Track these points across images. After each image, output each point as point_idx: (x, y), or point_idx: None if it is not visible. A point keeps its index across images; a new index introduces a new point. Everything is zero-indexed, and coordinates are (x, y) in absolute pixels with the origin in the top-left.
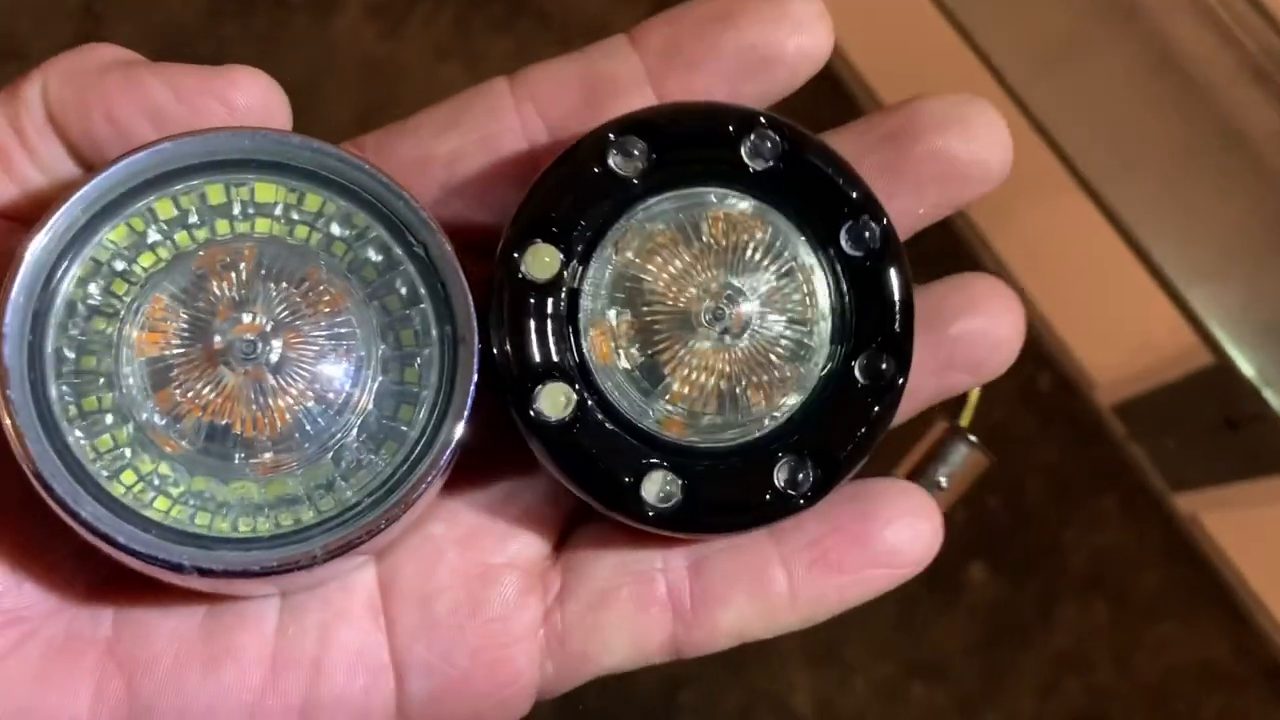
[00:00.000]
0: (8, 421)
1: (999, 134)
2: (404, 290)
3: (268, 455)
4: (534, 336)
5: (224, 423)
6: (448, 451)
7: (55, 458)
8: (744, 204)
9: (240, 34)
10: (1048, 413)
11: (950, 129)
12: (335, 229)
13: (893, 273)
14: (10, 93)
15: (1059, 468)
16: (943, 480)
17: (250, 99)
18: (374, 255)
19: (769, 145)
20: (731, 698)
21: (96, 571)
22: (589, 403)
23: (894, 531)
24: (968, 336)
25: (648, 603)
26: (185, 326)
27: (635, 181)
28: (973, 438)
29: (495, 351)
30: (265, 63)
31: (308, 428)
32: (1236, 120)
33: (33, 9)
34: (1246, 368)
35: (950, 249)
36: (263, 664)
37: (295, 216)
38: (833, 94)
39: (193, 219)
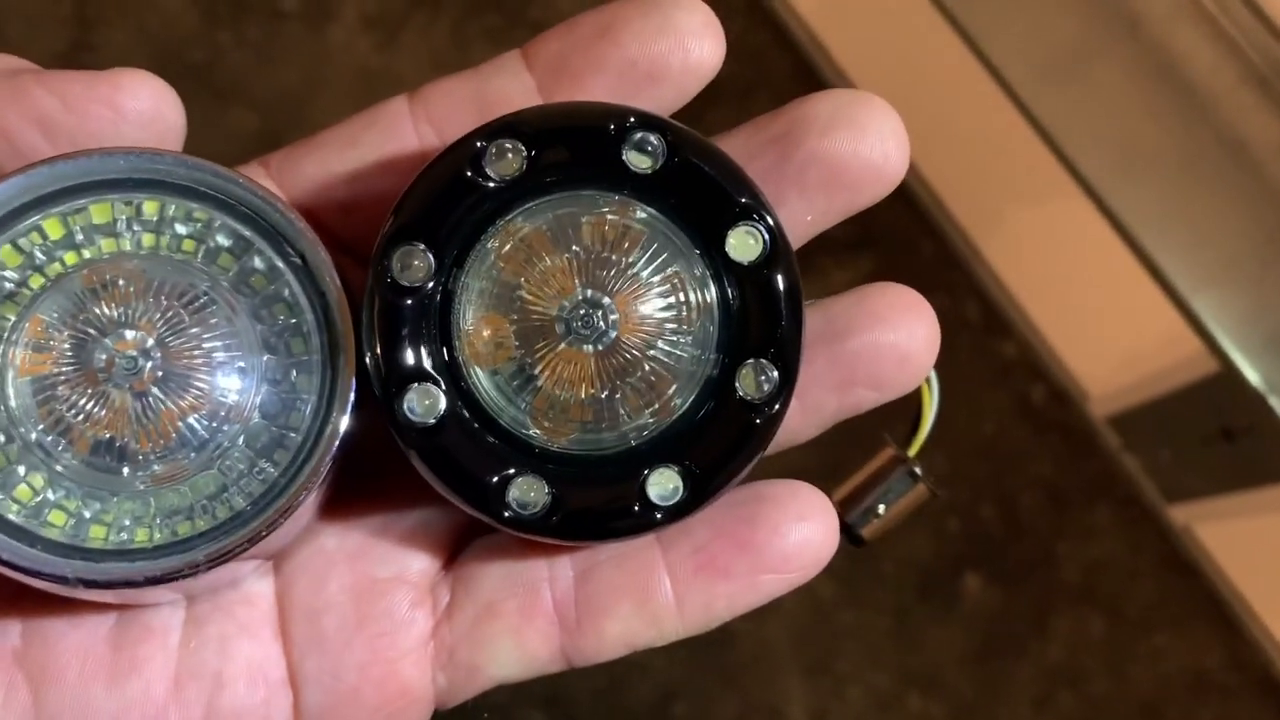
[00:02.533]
0: None
1: (893, 134)
2: (288, 299)
3: (156, 468)
4: (403, 339)
5: (109, 437)
6: (329, 455)
7: None
8: (623, 207)
9: (234, 42)
10: (1042, 425)
11: (837, 130)
12: (221, 240)
13: (780, 280)
14: None
15: (1053, 479)
16: (880, 508)
17: (140, 102)
18: (259, 264)
19: (650, 146)
20: (726, 709)
21: (4, 585)
22: (458, 406)
23: (783, 536)
24: (870, 350)
25: (533, 614)
26: (68, 345)
27: (509, 185)
28: (917, 469)
29: (366, 355)
30: (260, 72)
31: (194, 439)
32: (1239, 129)
33: (24, 15)
34: (1252, 375)
35: (942, 258)
36: (166, 676)
37: (181, 230)
38: None
39: (79, 238)
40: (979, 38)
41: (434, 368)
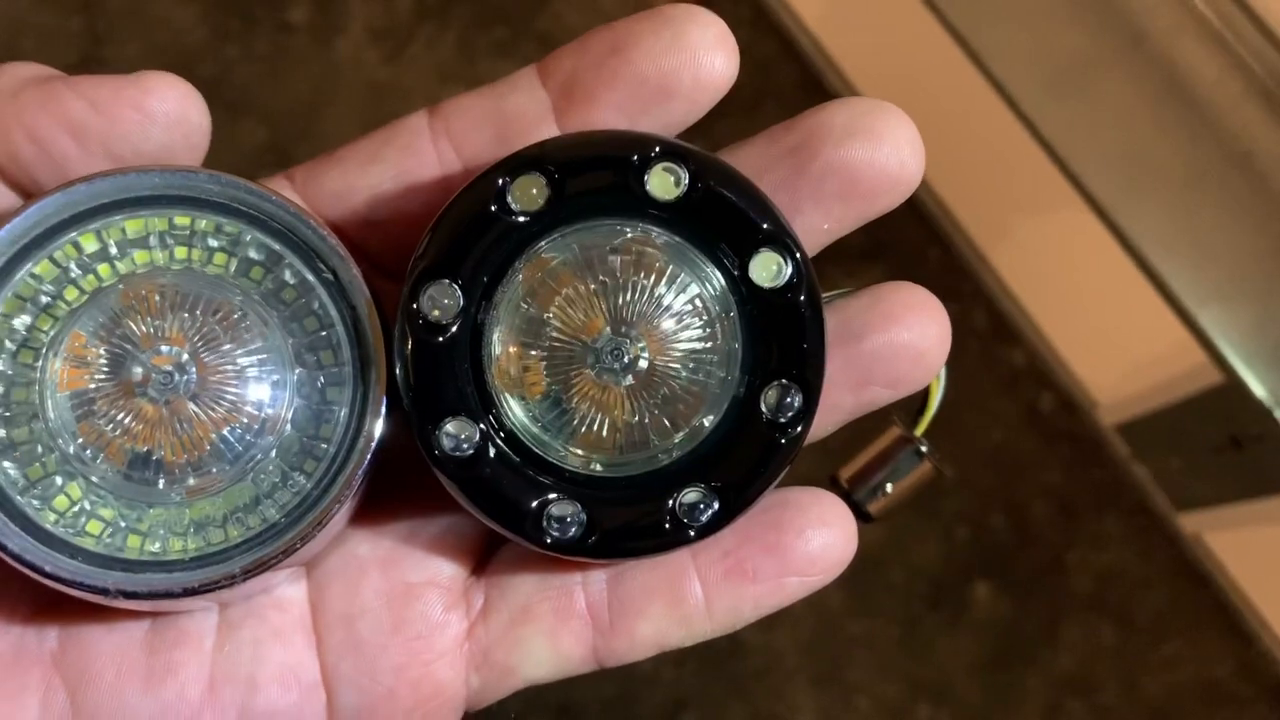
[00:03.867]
0: None
1: (908, 142)
2: (319, 313)
3: (191, 480)
4: (436, 376)
5: (146, 450)
6: (361, 469)
7: None
8: (647, 235)
9: (243, 56)
10: (1051, 433)
11: (854, 139)
12: (252, 254)
13: (803, 305)
14: None
15: (1062, 488)
16: (887, 486)
17: (166, 105)
18: (290, 279)
19: (674, 175)
20: (734, 718)
21: (42, 591)
22: (492, 436)
23: (806, 540)
24: (886, 350)
25: (568, 615)
26: (104, 360)
27: (534, 217)
28: (924, 447)
29: (401, 392)
30: (269, 85)
31: (228, 451)
32: (1245, 143)
33: (36, 31)
34: (1258, 388)
35: (949, 265)
36: (201, 680)
37: (213, 244)
38: None
39: (113, 251)
40: (983, 52)
41: (468, 400)
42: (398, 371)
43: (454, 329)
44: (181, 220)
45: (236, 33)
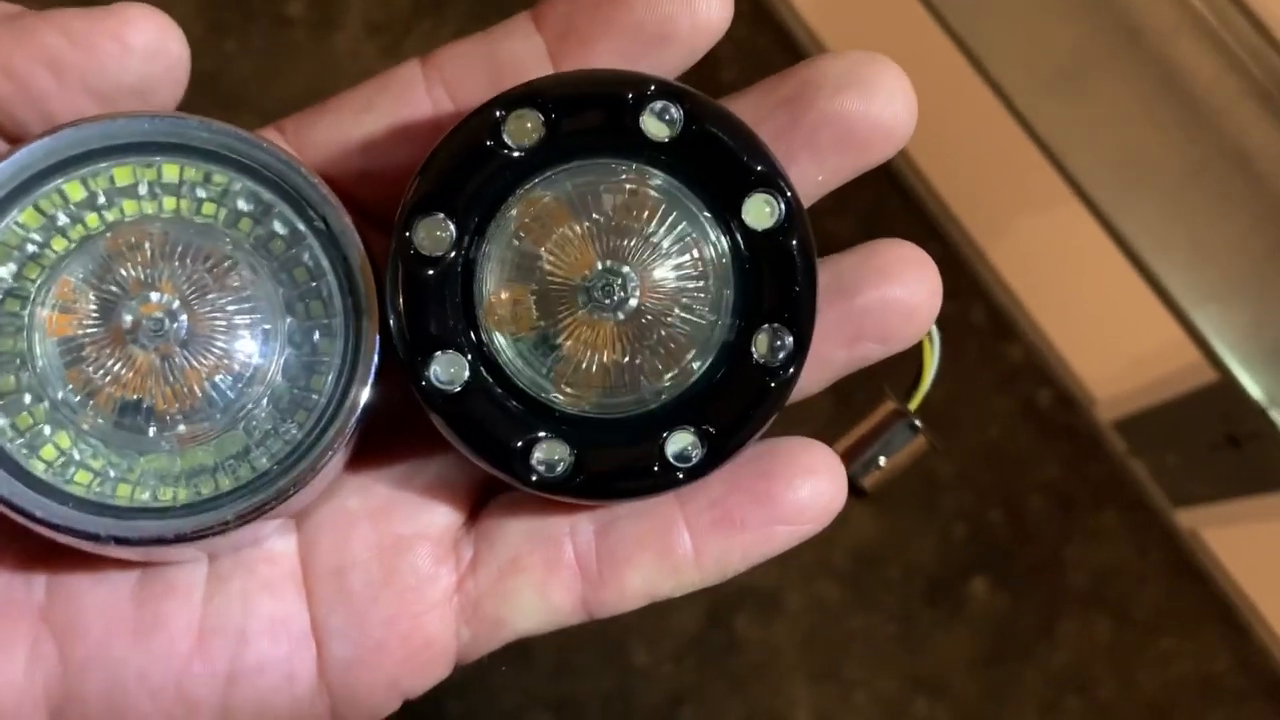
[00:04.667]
0: None
1: (902, 94)
2: (309, 263)
3: (181, 428)
4: (427, 308)
5: (136, 398)
6: (353, 418)
7: None
8: (641, 175)
9: (240, 50)
10: (1048, 429)
11: (849, 90)
12: (241, 205)
13: (795, 247)
14: None
15: (1060, 484)
16: (881, 460)
17: (146, 36)
18: (280, 229)
19: (669, 114)
20: (733, 713)
21: (29, 540)
22: (481, 372)
23: (795, 489)
24: (877, 306)
25: (557, 567)
26: (94, 307)
27: (528, 154)
28: (917, 422)
29: (391, 324)
30: (266, 79)
31: (219, 400)
32: (1241, 142)
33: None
34: (1253, 389)
35: (946, 260)
36: (190, 632)
37: (201, 194)
38: None
39: (101, 200)
40: (979, 49)
41: (457, 335)
42: (387, 303)
43: (445, 263)
44: (170, 170)
45: (234, 27)
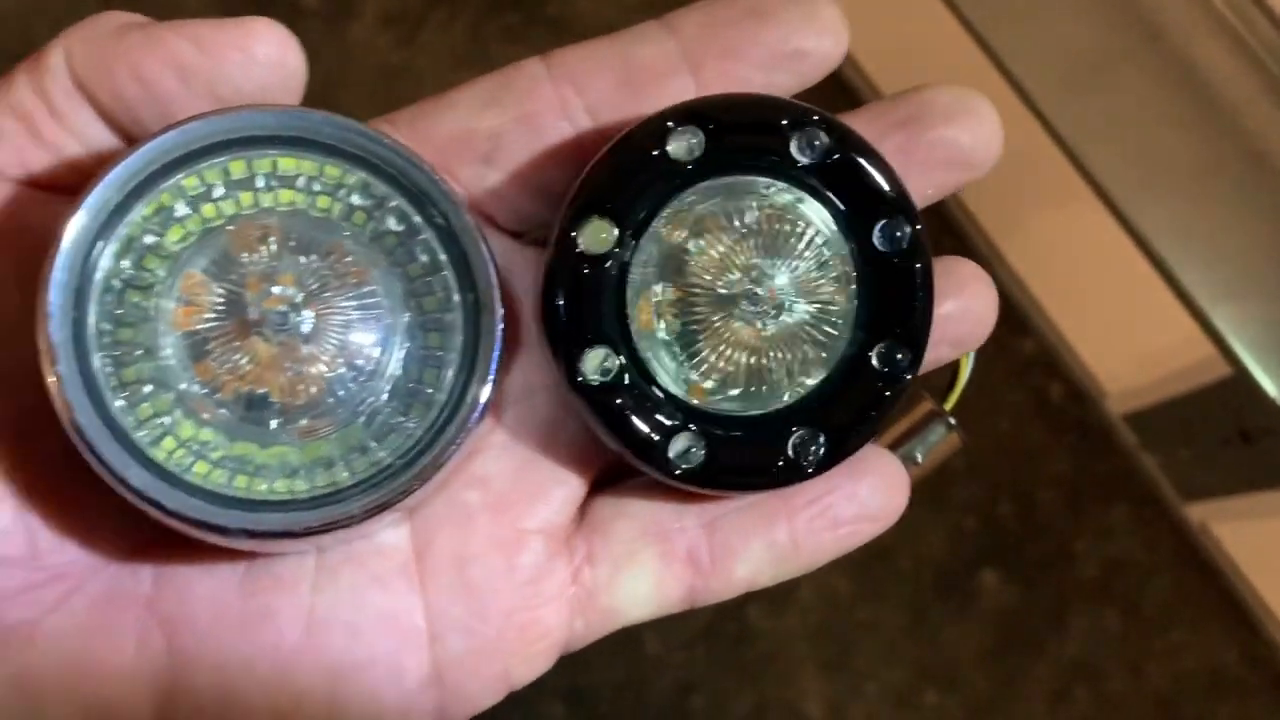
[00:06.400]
0: (57, 396)
1: (997, 127)
2: (425, 258)
3: (303, 421)
4: (585, 305)
5: (260, 391)
6: (475, 414)
7: (104, 428)
8: (788, 195)
9: None
10: (1059, 423)
11: (959, 119)
12: (356, 199)
13: (918, 271)
14: (34, 61)
15: (1071, 477)
16: (919, 456)
17: (269, 48)
18: (394, 224)
19: (817, 142)
20: (743, 703)
21: (135, 531)
22: (629, 367)
23: (875, 491)
24: (958, 314)
25: (670, 559)
26: (219, 300)
27: (689, 166)
28: (952, 420)
29: (552, 317)
30: None
31: (340, 393)
32: (1260, 141)
33: (51, 15)
34: (1268, 384)
35: (959, 253)
36: (298, 624)
37: (317, 188)
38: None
39: (218, 192)
40: (999, 48)
41: (610, 332)
42: (549, 298)
43: (604, 263)
44: (286, 163)
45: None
